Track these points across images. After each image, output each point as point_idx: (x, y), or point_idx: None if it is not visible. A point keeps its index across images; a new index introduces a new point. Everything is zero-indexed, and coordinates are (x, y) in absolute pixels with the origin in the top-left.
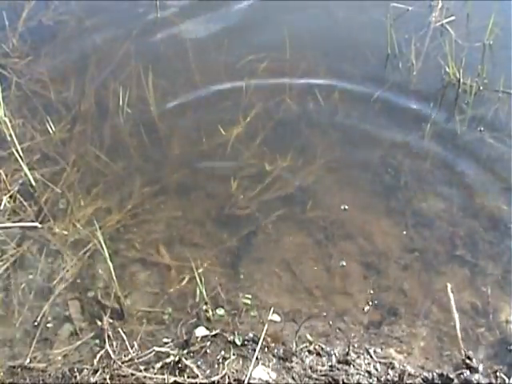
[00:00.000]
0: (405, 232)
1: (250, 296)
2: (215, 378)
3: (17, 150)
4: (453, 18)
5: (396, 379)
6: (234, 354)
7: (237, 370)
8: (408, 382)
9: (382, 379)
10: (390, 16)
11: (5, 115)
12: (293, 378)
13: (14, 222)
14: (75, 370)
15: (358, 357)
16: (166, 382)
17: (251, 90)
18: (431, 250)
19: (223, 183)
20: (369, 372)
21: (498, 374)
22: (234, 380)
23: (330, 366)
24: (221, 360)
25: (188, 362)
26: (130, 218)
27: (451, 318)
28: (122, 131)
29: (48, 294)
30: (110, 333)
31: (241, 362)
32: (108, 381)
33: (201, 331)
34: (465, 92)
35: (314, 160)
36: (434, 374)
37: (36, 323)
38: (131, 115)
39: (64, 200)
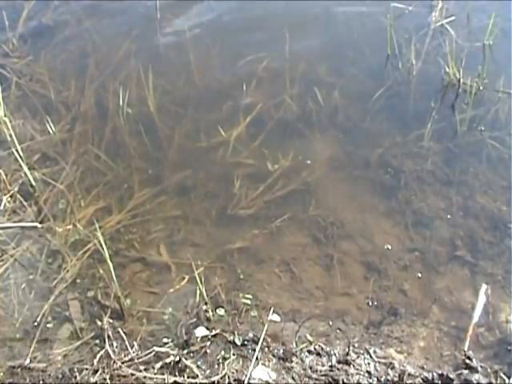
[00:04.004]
0: (405, 232)
1: (250, 296)
2: (215, 378)
3: (17, 150)
4: (453, 18)
5: (396, 379)
6: (234, 354)
7: (237, 370)
8: (408, 382)
9: (382, 379)
10: (389, 16)
11: (5, 115)
12: (293, 378)
13: (14, 222)
14: (75, 370)
15: (358, 357)
16: (166, 382)
17: (251, 89)
18: (431, 250)
19: (222, 183)
20: (369, 372)
21: (498, 373)
22: (234, 380)
23: (330, 366)
24: (221, 360)
25: (188, 362)
26: (130, 217)
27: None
28: (122, 131)
29: (48, 294)
30: (109, 333)
31: (241, 362)
32: (108, 381)
33: (201, 331)
34: (465, 92)
35: (314, 160)
36: (434, 373)
37: (36, 323)
38: (131, 115)
39: (64, 200)
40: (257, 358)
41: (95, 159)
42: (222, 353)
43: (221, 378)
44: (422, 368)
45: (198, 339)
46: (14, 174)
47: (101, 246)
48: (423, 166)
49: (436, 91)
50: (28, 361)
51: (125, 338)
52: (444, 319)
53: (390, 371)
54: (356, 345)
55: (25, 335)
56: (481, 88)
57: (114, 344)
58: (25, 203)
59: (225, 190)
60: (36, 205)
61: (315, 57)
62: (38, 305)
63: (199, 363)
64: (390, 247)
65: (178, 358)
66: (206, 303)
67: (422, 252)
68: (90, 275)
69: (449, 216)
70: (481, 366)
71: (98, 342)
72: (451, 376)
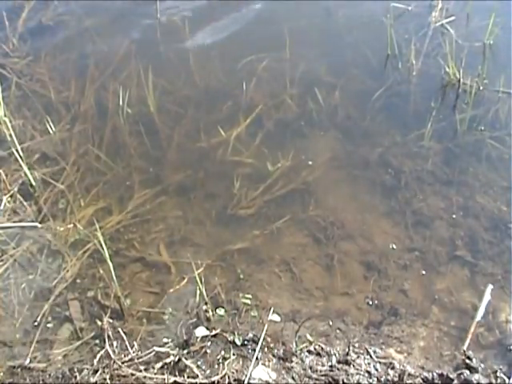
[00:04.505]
0: (405, 232)
1: (249, 296)
2: (215, 378)
3: (17, 150)
4: (453, 18)
5: (396, 379)
6: (234, 354)
7: (237, 370)
8: (408, 382)
9: (382, 379)
10: (390, 16)
11: (5, 115)
12: (293, 378)
13: (14, 222)
14: (75, 369)
15: (358, 357)
16: (166, 382)
17: (251, 89)
18: (431, 250)
19: (222, 183)
20: (369, 372)
21: (498, 373)
22: (234, 380)
23: (330, 366)
24: (221, 360)
25: (188, 362)
26: (130, 217)
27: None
28: (122, 131)
29: (48, 294)
30: (109, 333)
31: (241, 362)
32: (108, 381)
33: (201, 331)
34: (465, 92)
35: (314, 160)
36: (434, 373)
37: (36, 323)
38: (131, 115)
39: (64, 200)
40: (257, 358)
41: (95, 159)
42: (222, 353)
43: (221, 377)
44: (422, 368)
45: (198, 339)
46: (13, 173)
47: (101, 245)
48: (423, 165)
49: (436, 91)
50: (28, 361)
51: (125, 337)
52: (444, 319)
53: (390, 371)
54: (356, 345)
55: (25, 335)
56: (481, 88)
57: (114, 344)
58: (25, 203)
59: (225, 189)
60: (36, 205)
61: (315, 57)
62: (37, 305)
63: (199, 363)
64: (394, 247)
65: (177, 358)
66: (206, 303)
67: (422, 252)
68: (89, 275)
69: (454, 216)
70: (481, 366)
71: (98, 342)
72: (451, 376)
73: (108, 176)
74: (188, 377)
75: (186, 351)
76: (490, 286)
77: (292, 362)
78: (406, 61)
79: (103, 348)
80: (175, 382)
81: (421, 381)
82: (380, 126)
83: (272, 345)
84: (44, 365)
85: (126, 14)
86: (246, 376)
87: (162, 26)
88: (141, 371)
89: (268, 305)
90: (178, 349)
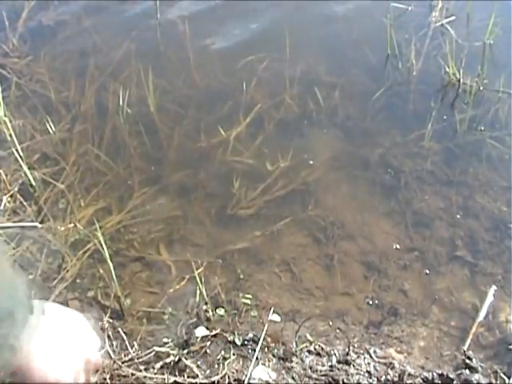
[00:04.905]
0: (405, 232)
1: (250, 296)
2: (215, 378)
3: (17, 150)
4: (453, 18)
5: (396, 379)
6: (234, 354)
7: (237, 370)
8: (408, 382)
9: (382, 379)
10: (389, 16)
11: (5, 115)
12: (293, 378)
13: (14, 222)
14: None
15: (358, 357)
16: (166, 382)
17: (251, 89)
18: (431, 250)
19: (223, 183)
20: (369, 372)
21: (498, 373)
22: (234, 380)
23: (330, 366)
24: (221, 360)
25: (188, 362)
26: (130, 217)
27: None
28: (122, 131)
29: (48, 294)
30: (109, 333)
31: (241, 362)
32: (108, 381)
33: (201, 331)
34: (465, 92)
35: (314, 160)
36: (434, 373)
37: None
38: (131, 115)
39: (64, 200)
40: (257, 358)
41: (95, 159)
42: (222, 353)
43: (221, 377)
44: (422, 368)
45: (198, 339)
46: (14, 173)
47: (101, 245)
48: (423, 165)
49: (436, 91)
50: None
51: (125, 337)
52: (444, 319)
53: (389, 371)
54: (356, 345)
55: None
56: (481, 88)
57: (114, 344)
58: (25, 203)
59: (225, 189)
60: (36, 205)
61: (315, 57)
62: None
63: (199, 363)
64: (398, 246)
65: (177, 358)
66: (206, 303)
67: (422, 252)
68: (89, 275)
69: (457, 216)
70: (481, 366)
71: None
72: (451, 376)
73: (108, 176)
74: (188, 377)
75: (186, 351)
76: (494, 287)
77: (292, 361)
78: (405, 61)
79: (103, 348)
80: (175, 381)
81: (421, 381)
82: (380, 126)
83: (272, 345)
84: None
85: (125, 14)
86: (246, 376)
87: (162, 26)
88: (141, 371)
89: (268, 305)
90: (177, 349)
